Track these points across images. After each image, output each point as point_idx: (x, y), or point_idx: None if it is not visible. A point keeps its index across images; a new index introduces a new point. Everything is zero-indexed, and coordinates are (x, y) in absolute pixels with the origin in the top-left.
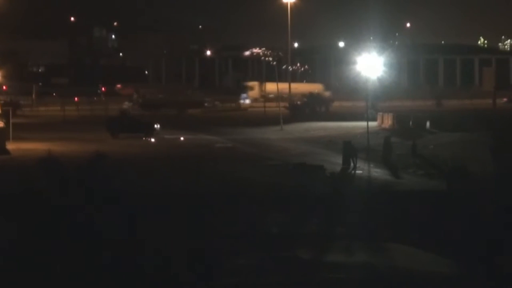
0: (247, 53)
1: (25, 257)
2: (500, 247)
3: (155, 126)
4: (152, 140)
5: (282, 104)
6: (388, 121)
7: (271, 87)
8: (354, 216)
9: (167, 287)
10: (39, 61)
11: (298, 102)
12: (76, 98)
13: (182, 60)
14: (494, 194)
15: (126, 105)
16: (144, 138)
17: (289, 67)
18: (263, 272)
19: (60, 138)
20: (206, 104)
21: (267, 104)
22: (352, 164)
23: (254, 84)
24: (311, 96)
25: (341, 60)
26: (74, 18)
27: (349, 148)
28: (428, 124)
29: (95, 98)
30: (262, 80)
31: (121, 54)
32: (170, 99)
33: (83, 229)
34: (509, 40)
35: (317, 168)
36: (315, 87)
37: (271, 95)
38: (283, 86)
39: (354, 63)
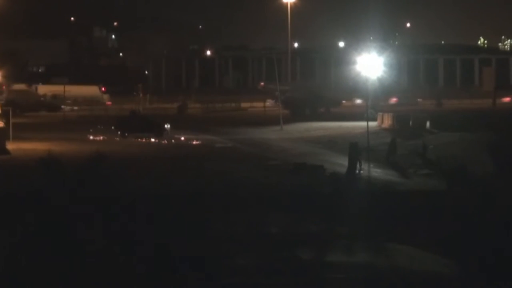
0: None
1: (25, 258)
2: (500, 247)
3: (165, 126)
4: (152, 140)
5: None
6: (388, 121)
7: (43, 89)
8: (354, 216)
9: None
10: (39, 61)
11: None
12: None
13: (182, 60)
14: (494, 194)
15: (269, 102)
16: (146, 139)
17: None
18: (263, 272)
19: (60, 138)
20: (343, 102)
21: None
22: (358, 166)
23: (21, 86)
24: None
25: (341, 60)
26: (74, 18)
27: (355, 149)
28: (428, 124)
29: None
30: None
31: (121, 54)
32: (311, 97)
33: (82, 229)
34: (509, 40)
35: (317, 168)
36: (90, 90)
37: (42, 98)
38: (58, 88)
39: (354, 63)
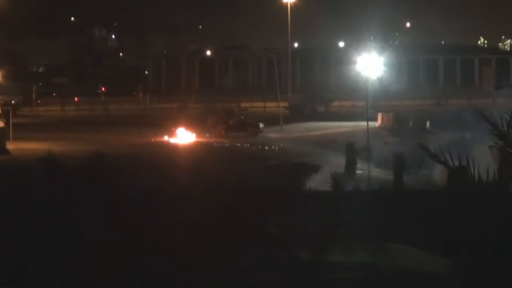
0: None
1: (24, 258)
2: (501, 247)
3: (260, 125)
4: (152, 140)
5: None
6: (388, 121)
7: None
8: (354, 216)
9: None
10: (39, 61)
11: None
12: (76, 98)
13: (182, 60)
14: (495, 194)
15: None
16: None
17: None
18: (263, 272)
19: (60, 138)
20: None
21: None
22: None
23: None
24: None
25: (341, 60)
26: (74, 18)
27: (352, 149)
28: (428, 124)
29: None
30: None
31: (121, 54)
32: None
33: (81, 230)
34: (509, 40)
35: (317, 168)
36: None
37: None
38: None
39: (354, 63)
